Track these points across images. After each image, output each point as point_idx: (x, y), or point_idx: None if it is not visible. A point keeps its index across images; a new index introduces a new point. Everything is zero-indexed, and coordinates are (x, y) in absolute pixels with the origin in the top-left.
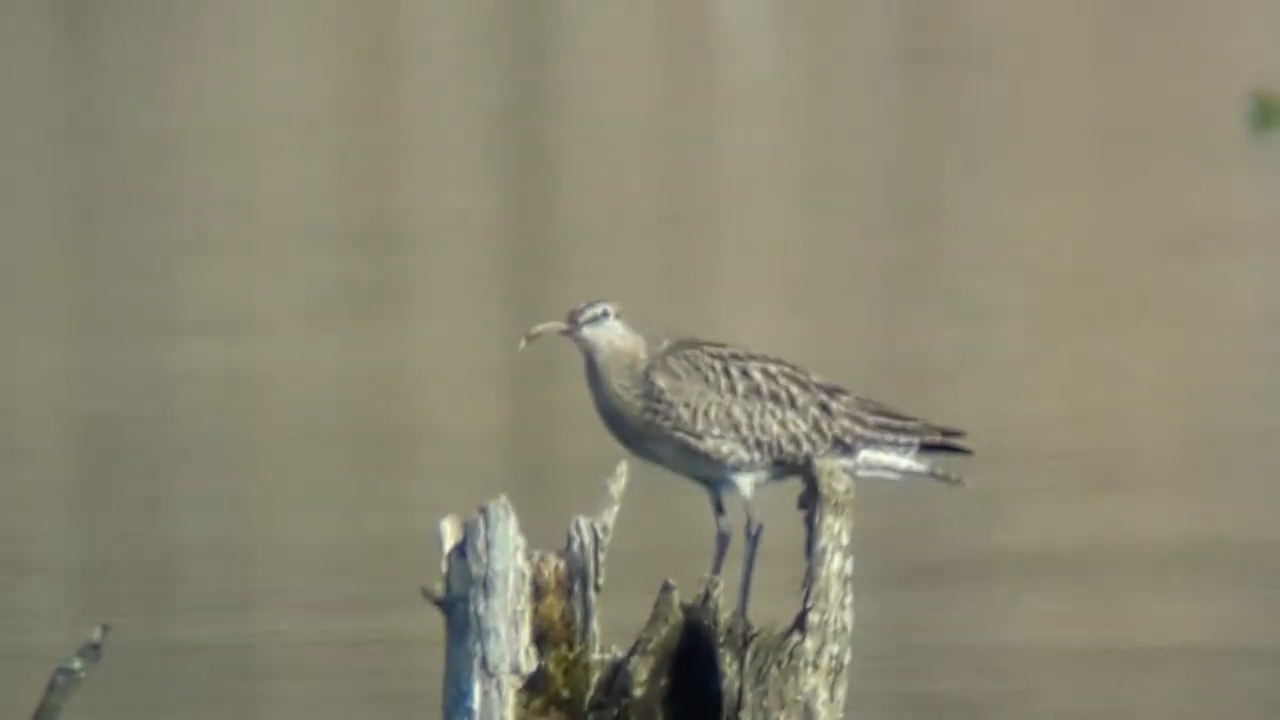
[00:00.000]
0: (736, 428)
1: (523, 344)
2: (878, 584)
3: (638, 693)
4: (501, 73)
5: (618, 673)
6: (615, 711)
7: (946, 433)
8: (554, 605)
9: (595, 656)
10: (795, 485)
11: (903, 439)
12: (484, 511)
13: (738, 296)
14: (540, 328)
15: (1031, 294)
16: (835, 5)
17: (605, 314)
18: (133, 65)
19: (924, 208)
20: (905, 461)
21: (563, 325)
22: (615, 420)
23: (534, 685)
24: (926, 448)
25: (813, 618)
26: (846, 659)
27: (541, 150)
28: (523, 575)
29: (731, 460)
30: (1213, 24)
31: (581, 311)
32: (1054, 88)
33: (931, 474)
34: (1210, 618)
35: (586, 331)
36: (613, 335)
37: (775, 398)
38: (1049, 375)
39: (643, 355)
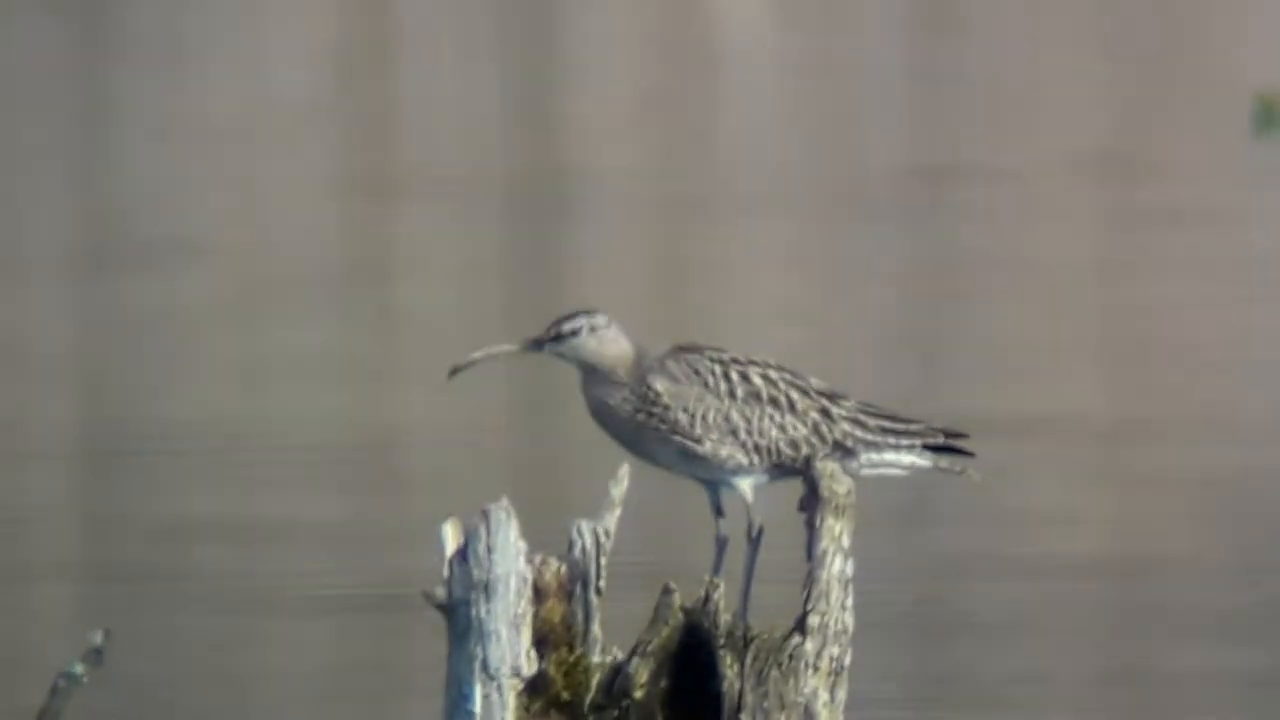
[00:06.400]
0: (735, 432)
1: (449, 375)
2: None
3: (638, 695)
4: (502, 66)
5: (618, 675)
6: (616, 713)
7: (950, 434)
8: (555, 608)
9: (596, 659)
10: (796, 487)
11: (905, 441)
12: (485, 515)
13: (739, 291)
14: (476, 355)
15: (1035, 287)
16: None
17: (582, 328)
18: (142, 53)
19: (926, 200)
20: (909, 459)
21: (510, 346)
22: (611, 425)
23: (535, 688)
24: (930, 449)
25: (813, 620)
26: (847, 661)
27: (542, 145)
28: (524, 579)
29: (730, 464)
30: (1215, 24)
31: (562, 322)
32: (1056, 77)
33: (936, 468)
34: None
35: (551, 349)
36: (602, 342)
37: (774, 402)
38: (1052, 362)
39: (632, 360)
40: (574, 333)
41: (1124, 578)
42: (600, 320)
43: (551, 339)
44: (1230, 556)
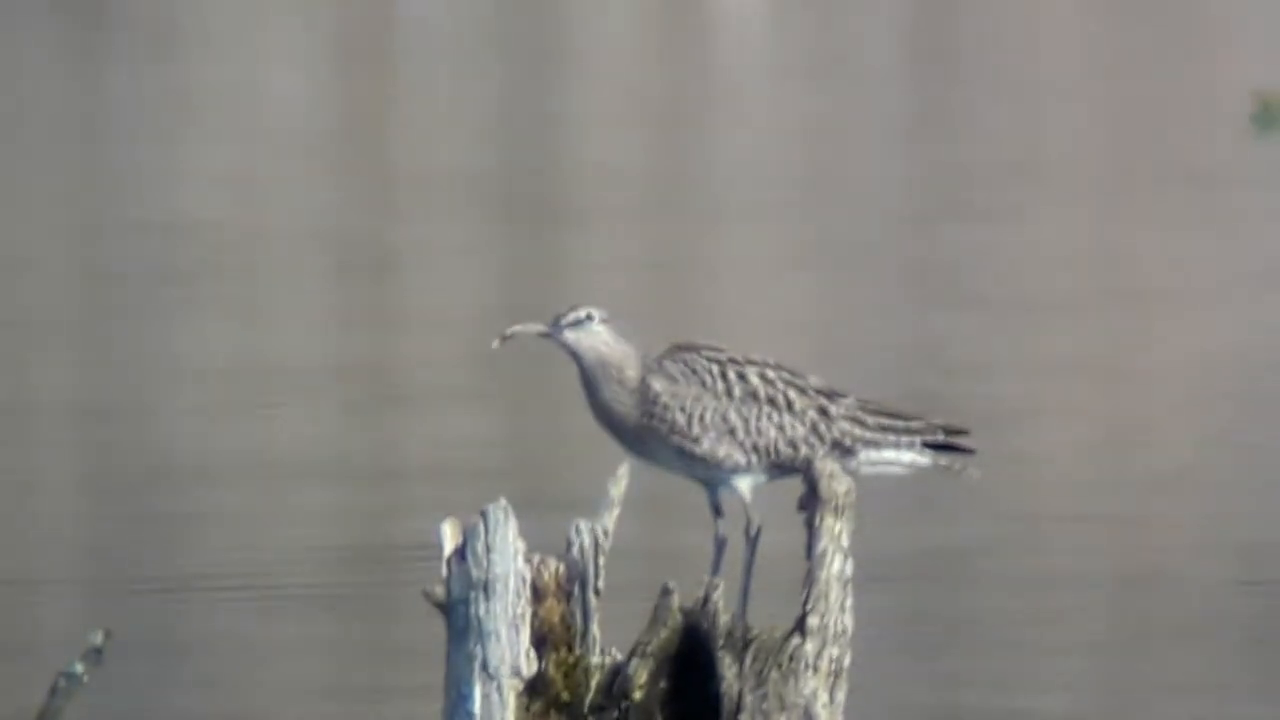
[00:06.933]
0: (733, 432)
1: (496, 344)
2: None
3: (637, 696)
4: (502, 66)
5: (617, 676)
6: (615, 714)
7: (950, 430)
8: (554, 608)
9: (595, 660)
10: (796, 487)
11: (904, 439)
12: (484, 515)
13: (741, 292)
14: (517, 328)
15: (1035, 285)
16: None
17: (589, 318)
18: (137, 65)
19: (928, 198)
20: (909, 457)
21: (541, 326)
22: (612, 425)
23: (534, 688)
24: (930, 446)
25: (812, 620)
26: (846, 661)
27: (542, 142)
28: (523, 578)
29: (729, 464)
30: (1217, 24)
31: (564, 314)
32: (1057, 79)
33: (936, 466)
34: None
35: (569, 335)
36: (597, 340)
37: (772, 402)
38: (1061, 372)
39: (632, 361)
40: (589, 317)
41: None
42: (603, 316)
43: (569, 324)
44: None
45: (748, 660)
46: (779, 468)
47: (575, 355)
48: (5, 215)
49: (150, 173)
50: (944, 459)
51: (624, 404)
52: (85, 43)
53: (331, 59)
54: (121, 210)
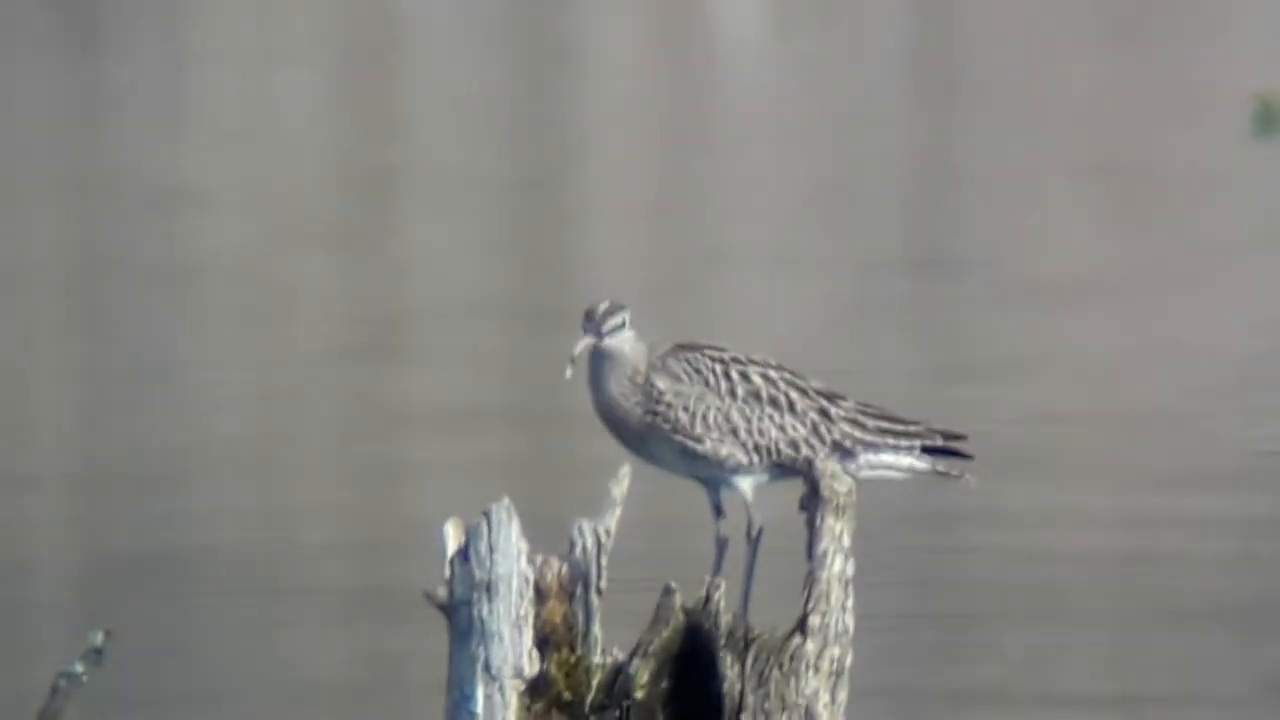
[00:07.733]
0: (735, 432)
1: (569, 372)
2: None
3: (639, 695)
4: (506, 71)
5: (619, 675)
6: (617, 714)
7: (948, 436)
8: (556, 609)
9: (597, 659)
10: (797, 487)
11: (903, 443)
12: (487, 515)
13: (742, 299)
14: (577, 350)
15: (1037, 285)
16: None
17: (624, 324)
18: (135, 59)
19: (929, 207)
20: (907, 461)
21: (591, 340)
22: (614, 423)
23: (536, 688)
24: (928, 450)
25: (814, 620)
26: (848, 661)
27: (544, 151)
28: (525, 579)
29: (730, 463)
30: (1217, 24)
31: (604, 320)
32: (1058, 86)
33: (934, 471)
34: None
35: (609, 343)
36: (624, 342)
37: (774, 402)
38: (1059, 376)
39: (642, 360)
40: (624, 324)
41: None
42: (629, 314)
43: (609, 331)
44: None
45: (749, 660)
46: (780, 468)
47: (612, 357)
48: (5, 212)
49: (150, 170)
50: (942, 464)
51: (628, 400)
52: (81, 38)
53: (332, 55)
54: (121, 207)
